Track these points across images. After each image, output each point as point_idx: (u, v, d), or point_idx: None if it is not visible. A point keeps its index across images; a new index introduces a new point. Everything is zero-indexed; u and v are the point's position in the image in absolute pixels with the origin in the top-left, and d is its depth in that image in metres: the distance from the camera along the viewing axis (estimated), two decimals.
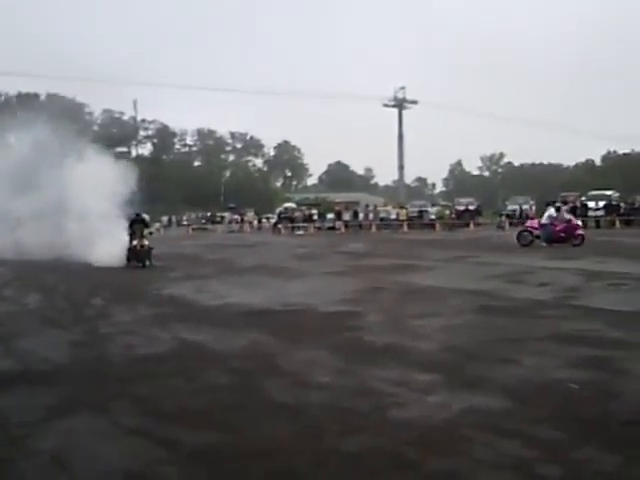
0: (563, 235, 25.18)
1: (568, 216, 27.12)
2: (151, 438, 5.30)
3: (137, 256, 21.38)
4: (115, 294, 14.81)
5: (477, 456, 4.65)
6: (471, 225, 49.44)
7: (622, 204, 49.07)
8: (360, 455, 4.76)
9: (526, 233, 26.58)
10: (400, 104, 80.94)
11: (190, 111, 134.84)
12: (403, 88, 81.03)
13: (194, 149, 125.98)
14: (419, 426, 5.29)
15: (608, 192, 52.14)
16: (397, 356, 7.68)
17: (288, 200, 74.14)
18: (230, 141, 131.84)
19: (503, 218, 49.88)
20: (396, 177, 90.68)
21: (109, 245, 22.34)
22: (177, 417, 5.78)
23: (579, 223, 27.16)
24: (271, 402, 6.11)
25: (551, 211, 25.92)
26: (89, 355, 8.52)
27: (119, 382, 6.98)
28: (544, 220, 25.82)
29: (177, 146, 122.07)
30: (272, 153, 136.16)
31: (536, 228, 26.16)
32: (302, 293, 13.68)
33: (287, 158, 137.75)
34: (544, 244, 25.03)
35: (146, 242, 21.73)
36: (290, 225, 54.01)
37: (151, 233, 23.06)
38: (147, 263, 21.43)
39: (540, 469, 4.40)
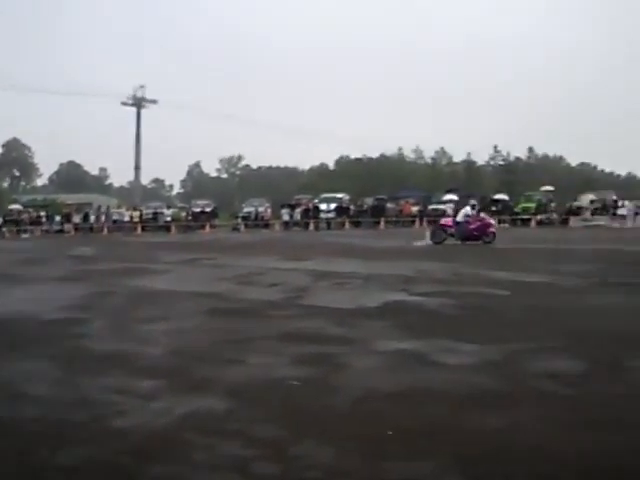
0: (476, 233, 26.23)
1: (483, 215, 28.47)
2: None
3: None
4: None
5: (196, 459, 4.55)
6: (207, 227, 49.63)
7: (352, 206, 51.90)
8: (75, 469, 4.46)
9: (440, 231, 27.32)
10: (139, 103, 79.70)
11: None
12: (143, 87, 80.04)
13: None
14: (138, 434, 5.07)
15: (339, 195, 54.98)
16: (121, 363, 7.37)
17: (15, 202, 69.80)
18: None
19: (239, 220, 50.71)
20: (132, 178, 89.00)
21: None
22: None
23: (492, 222, 28.42)
24: None
25: (467, 209, 26.88)
26: None
27: None
28: (459, 218, 26.69)
29: None
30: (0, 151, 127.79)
31: (450, 226, 27.00)
32: (24, 300, 12.80)
33: (16, 156, 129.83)
34: (458, 242, 25.85)
35: None
36: (15, 228, 50.92)
37: None
38: None
39: (258, 467, 4.39)
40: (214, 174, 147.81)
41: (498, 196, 56.72)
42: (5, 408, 5.88)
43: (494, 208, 49.58)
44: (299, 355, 7.49)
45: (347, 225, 48.23)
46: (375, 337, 8.47)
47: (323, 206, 50.83)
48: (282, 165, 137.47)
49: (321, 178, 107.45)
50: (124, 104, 79.79)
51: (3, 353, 8.11)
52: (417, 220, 48.97)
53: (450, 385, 6.16)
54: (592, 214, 51.09)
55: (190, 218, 53.07)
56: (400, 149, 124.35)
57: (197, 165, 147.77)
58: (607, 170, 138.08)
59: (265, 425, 5.19)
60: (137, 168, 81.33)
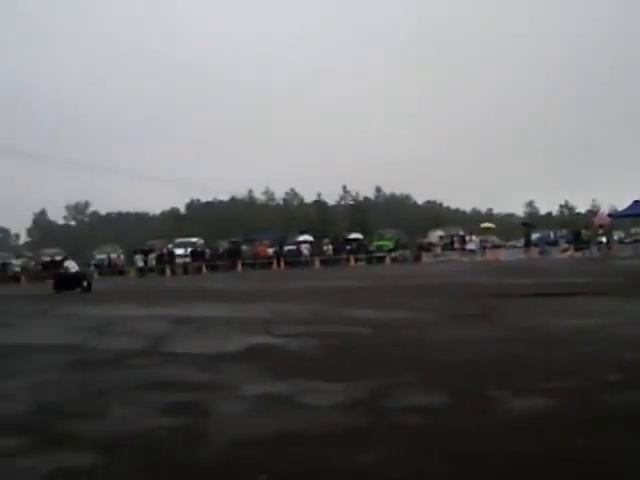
0: None
1: None
2: None
3: None
4: None
5: None
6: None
7: (207, 250, 51.65)
8: None
9: None
10: None
11: None
12: None
13: None
14: None
15: (193, 239, 54.75)
16: None
17: None
18: None
19: (92, 268, 49.38)
20: None
21: None
22: None
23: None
24: None
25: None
26: None
27: None
28: None
29: None
30: None
31: None
32: None
33: None
34: None
35: None
36: None
37: None
38: None
39: None
40: (62, 221, 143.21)
41: (353, 235, 58.11)
42: None
43: (349, 247, 50.67)
44: (164, 404, 7.35)
45: (204, 269, 47.85)
46: (239, 381, 8.44)
47: (178, 251, 50.41)
48: (132, 210, 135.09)
49: (173, 222, 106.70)
50: None
51: None
52: (274, 261, 49.32)
53: (317, 425, 6.23)
54: (442, 249, 53.25)
55: (40, 268, 51.08)
56: (250, 191, 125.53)
57: (43, 213, 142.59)
58: (453, 207, 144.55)
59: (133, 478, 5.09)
60: None
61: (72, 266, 31.52)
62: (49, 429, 6.66)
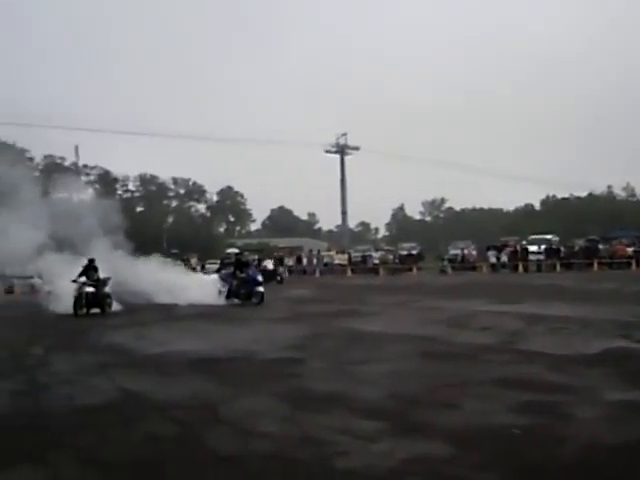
0: None
1: None
2: None
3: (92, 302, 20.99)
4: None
5: None
6: (414, 270, 49.73)
7: (562, 248, 50.02)
8: None
9: None
10: (342, 150, 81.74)
11: (132, 157, 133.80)
12: (345, 134, 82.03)
13: (136, 195, 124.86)
14: (362, 476, 5.21)
15: (548, 236, 53.20)
16: (340, 403, 7.59)
17: (231, 246, 73.67)
18: (173, 187, 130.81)
19: (445, 263, 50.39)
20: (339, 222, 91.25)
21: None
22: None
23: None
24: (214, 453, 5.97)
25: None
26: None
27: None
28: None
29: (119, 192, 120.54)
30: (215, 199, 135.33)
31: None
32: (246, 340, 13.52)
33: (230, 204, 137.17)
34: None
35: (106, 288, 21.49)
36: None
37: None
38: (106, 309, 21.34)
39: None
40: (418, 217, 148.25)
41: None
42: (235, 444, 6.24)
43: None
44: (518, 402, 7.33)
45: (558, 267, 46.50)
46: (596, 385, 8.12)
47: (532, 248, 49.37)
48: (485, 207, 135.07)
49: (526, 219, 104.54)
50: (328, 152, 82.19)
51: (231, 391, 8.63)
52: (633, 262, 46.22)
53: None
54: None
55: (397, 261, 53.46)
56: (610, 187, 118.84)
57: (401, 208, 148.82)
58: None
59: (487, 473, 5.17)
60: (344, 213, 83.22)
61: (269, 265, 41.91)
62: (406, 416, 7.00)
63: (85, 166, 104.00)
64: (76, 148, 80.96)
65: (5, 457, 6.04)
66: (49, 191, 27.97)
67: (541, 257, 48.47)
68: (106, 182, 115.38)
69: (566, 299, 20.79)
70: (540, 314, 16.21)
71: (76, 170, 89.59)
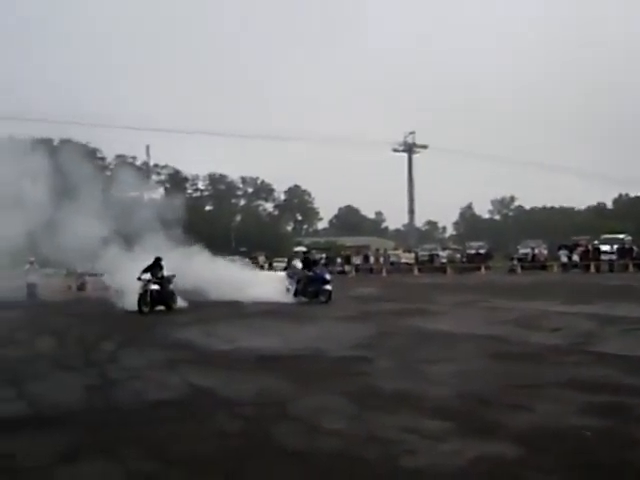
0: None
1: None
2: None
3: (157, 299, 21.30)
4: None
5: None
6: (482, 269, 49.18)
7: (635, 248, 48.83)
8: None
9: None
10: (410, 149, 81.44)
11: (202, 156, 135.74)
12: (413, 133, 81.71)
13: (206, 194, 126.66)
14: (431, 475, 5.20)
15: (621, 235, 52.00)
16: (408, 402, 7.59)
17: (299, 244, 74.13)
18: (241, 185, 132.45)
19: (515, 262, 49.71)
20: (406, 221, 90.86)
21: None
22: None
23: None
24: (281, 449, 6.03)
25: None
26: None
27: None
28: None
29: (189, 191, 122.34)
30: (283, 197, 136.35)
31: None
32: (313, 338, 13.60)
33: (297, 202, 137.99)
34: None
35: (170, 286, 21.86)
36: None
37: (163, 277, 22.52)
38: (173, 306, 21.65)
39: None
40: (486, 215, 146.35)
41: None
42: (303, 440, 6.29)
43: None
44: (589, 404, 7.21)
45: (630, 267, 45.41)
46: None
47: (604, 247, 48.33)
48: (556, 205, 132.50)
49: (598, 218, 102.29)
50: (395, 150, 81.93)
51: (300, 388, 8.69)
52: None
53: None
54: None
55: (465, 260, 52.98)
56: None
57: (469, 207, 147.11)
58: None
59: (558, 475, 5.12)
60: (411, 212, 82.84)
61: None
62: (474, 416, 6.95)
63: (156, 165, 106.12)
64: (147, 148, 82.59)
65: (77, 451, 6.19)
66: (119, 189, 28.70)
67: (613, 257, 47.40)
68: (176, 181, 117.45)
69: (635, 299, 20.29)
70: (613, 315, 15.87)
71: (147, 170, 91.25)
